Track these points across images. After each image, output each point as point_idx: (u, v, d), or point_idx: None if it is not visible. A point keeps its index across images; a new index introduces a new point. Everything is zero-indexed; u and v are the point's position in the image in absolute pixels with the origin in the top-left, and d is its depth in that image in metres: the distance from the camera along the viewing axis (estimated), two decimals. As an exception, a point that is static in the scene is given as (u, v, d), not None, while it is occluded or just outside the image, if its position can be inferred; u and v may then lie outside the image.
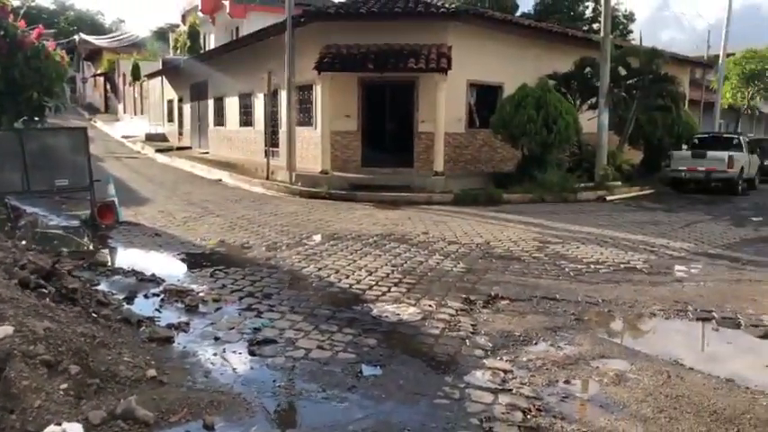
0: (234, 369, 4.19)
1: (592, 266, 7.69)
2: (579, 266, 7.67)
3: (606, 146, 16.68)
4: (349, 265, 7.30)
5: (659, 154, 19.93)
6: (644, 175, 19.34)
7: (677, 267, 7.82)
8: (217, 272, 6.81)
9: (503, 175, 16.21)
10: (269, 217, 11.13)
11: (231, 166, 20.17)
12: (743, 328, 5.40)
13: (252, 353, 4.48)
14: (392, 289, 6.29)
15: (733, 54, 31.26)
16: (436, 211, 12.64)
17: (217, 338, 4.75)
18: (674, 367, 4.42)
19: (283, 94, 17.24)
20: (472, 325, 5.25)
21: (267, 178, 16.79)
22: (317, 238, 9.12)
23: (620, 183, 16.73)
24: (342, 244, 8.63)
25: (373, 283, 6.49)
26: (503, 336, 5.01)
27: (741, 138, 19.34)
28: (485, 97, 17.54)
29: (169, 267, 7.08)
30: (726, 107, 32.35)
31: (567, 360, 4.50)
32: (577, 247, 8.89)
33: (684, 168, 17.66)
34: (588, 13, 48.84)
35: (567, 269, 7.51)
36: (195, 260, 7.55)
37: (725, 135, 20.86)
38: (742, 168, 17.58)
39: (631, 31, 46.28)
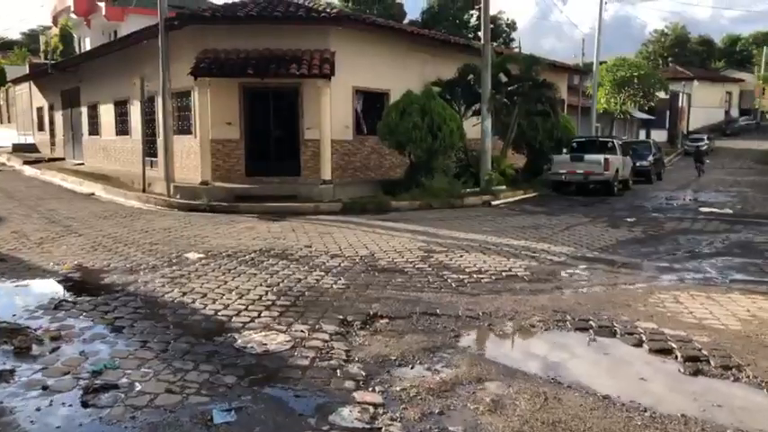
0: (57, 428, 3.55)
1: (474, 276, 7.54)
2: (462, 277, 7.49)
3: (490, 151, 16.95)
4: (218, 287, 6.70)
5: (541, 158, 20.56)
6: (527, 178, 19.87)
7: (557, 273, 7.82)
8: (63, 303, 6.02)
9: (392, 182, 16.05)
10: (138, 234, 10.25)
11: (106, 179, 18.87)
12: (618, 336, 5.35)
13: (85, 404, 3.85)
14: (263, 314, 5.78)
15: (606, 62, 33.11)
16: (323, 221, 12.21)
17: (45, 388, 4.06)
18: (552, 387, 4.24)
19: (160, 101, 16.19)
20: (346, 351, 4.86)
21: (144, 191, 15.71)
22: (189, 257, 8.41)
23: (504, 187, 17.04)
24: (215, 263, 8.00)
25: (242, 307, 5.95)
26: (378, 362, 4.66)
27: (615, 141, 20.35)
28: (372, 104, 17.34)
29: (5, 300, 6.19)
30: (601, 111, 34.20)
31: (442, 386, 4.20)
32: (461, 256, 8.76)
33: (564, 171, 18.29)
34: (473, 21, 50.43)
35: (449, 280, 7.31)
36: (40, 289, 6.69)
37: (601, 139, 21.88)
38: (617, 170, 18.46)
39: (514, 39, 48.31)
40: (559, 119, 19.83)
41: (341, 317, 5.70)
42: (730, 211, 14.83)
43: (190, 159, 16.12)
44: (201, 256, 8.46)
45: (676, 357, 4.86)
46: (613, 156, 18.57)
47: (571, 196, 17.95)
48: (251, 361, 4.61)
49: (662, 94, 39.35)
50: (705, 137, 44.34)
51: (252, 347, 4.87)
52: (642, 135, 43.51)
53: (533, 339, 5.39)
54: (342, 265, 8.07)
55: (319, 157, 15.17)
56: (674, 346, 5.04)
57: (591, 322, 5.68)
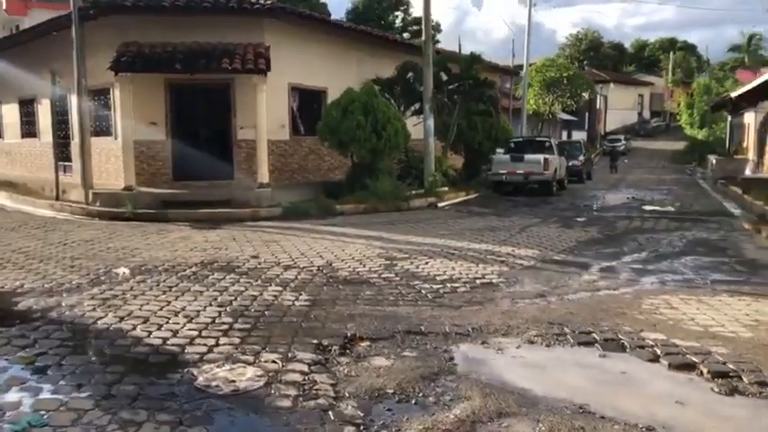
0: None
1: (448, 285, 6.88)
2: (435, 286, 6.82)
3: (433, 151, 16.46)
4: (161, 309, 5.71)
5: (479, 158, 20.31)
6: (466, 179, 19.57)
7: (534, 279, 7.28)
8: (-32, 337, 4.89)
9: (333, 185, 15.24)
10: (56, 248, 8.99)
11: (12, 186, 17.19)
12: (629, 350, 4.81)
13: (6, 482, 2.88)
14: (221, 340, 4.87)
15: (534, 63, 33.54)
16: (264, 228, 11.26)
17: (-52, 460, 3.06)
18: (586, 419, 3.60)
19: (74, 99, 14.69)
20: (332, 385, 4.05)
21: (57, 198, 14.21)
22: (119, 272, 7.32)
23: (447, 188, 16.63)
24: (151, 279, 6.96)
25: (195, 333, 5.01)
26: (374, 397, 3.88)
27: (552, 141, 20.36)
28: (308, 102, 16.49)
29: None
30: (530, 113, 34.61)
31: (461, 427, 3.48)
32: (426, 263, 8.09)
33: (505, 172, 18.06)
34: (398, 22, 50.29)
35: (423, 291, 6.62)
36: (-62, 320, 5.48)
37: (537, 139, 21.89)
38: (555, 170, 18.41)
39: (439, 41, 48.33)
40: (500, 118, 19.62)
41: (315, 341, 4.88)
42: (672, 209, 14.97)
43: (110, 163, 14.73)
44: (134, 271, 7.38)
45: (702, 374, 4.35)
46: (551, 155, 18.52)
47: (511, 196, 17.76)
48: (219, 405, 3.72)
49: (587, 96, 40.38)
50: (622, 137, 46.13)
51: (217, 386, 3.97)
52: (564, 136, 44.52)
53: (538, 358, 4.75)
54: (299, 277, 7.21)
55: (254, 159, 14.19)
56: (695, 360, 4.53)
57: (593, 335, 5.12)
